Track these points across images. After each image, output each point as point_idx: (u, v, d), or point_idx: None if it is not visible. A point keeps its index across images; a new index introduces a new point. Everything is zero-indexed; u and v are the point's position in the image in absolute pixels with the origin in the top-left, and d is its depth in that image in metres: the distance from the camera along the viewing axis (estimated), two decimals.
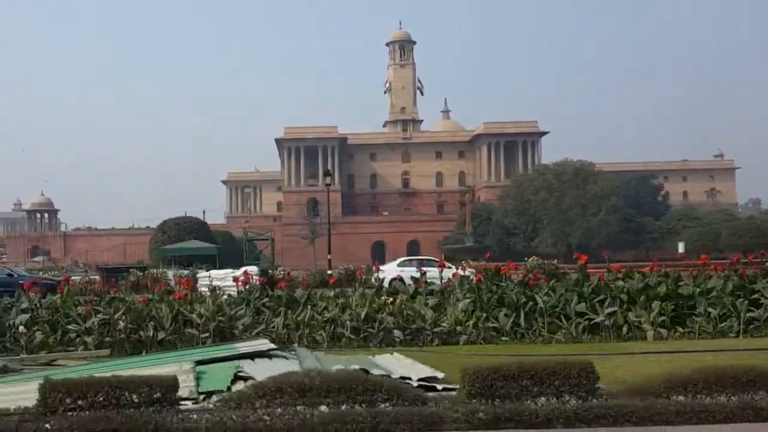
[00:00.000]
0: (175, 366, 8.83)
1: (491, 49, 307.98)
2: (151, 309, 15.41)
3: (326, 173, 57.75)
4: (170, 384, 6.55)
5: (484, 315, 15.73)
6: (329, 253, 51.34)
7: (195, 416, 6.43)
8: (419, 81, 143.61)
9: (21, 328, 14.63)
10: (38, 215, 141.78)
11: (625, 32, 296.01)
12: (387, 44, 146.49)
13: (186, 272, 39.73)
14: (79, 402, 6.13)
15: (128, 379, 6.50)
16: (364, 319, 15.27)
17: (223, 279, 25.52)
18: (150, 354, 12.85)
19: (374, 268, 27.93)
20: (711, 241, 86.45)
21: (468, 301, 16.23)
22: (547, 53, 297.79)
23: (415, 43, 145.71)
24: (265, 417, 6.51)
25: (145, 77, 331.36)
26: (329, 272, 40.71)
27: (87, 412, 6.06)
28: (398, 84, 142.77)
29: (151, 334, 14.65)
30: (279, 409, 6.66)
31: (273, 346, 11.49)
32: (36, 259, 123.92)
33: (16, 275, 37.87)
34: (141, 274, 38.27)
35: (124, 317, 14.86)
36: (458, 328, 15.36)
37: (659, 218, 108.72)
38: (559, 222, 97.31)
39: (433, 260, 43.36)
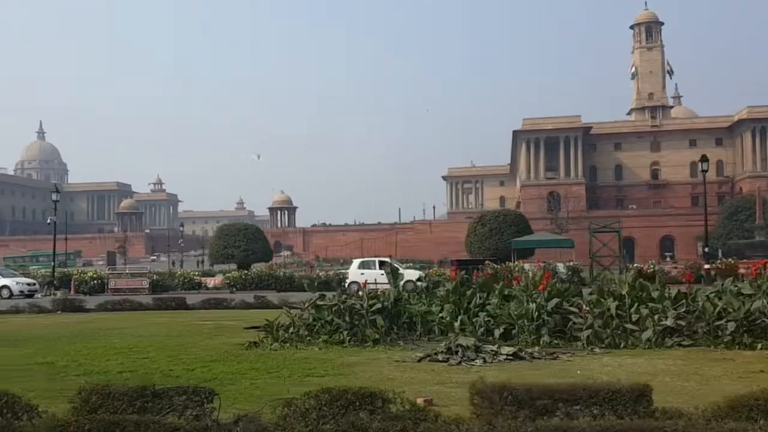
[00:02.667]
0: None
1: (729, 32, 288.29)
2: None
3: None
4: None
5: None
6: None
7: None
8: (668, 64, 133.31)
9: None
10: (279, 212, 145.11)
11: None
12: (631, 27, 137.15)
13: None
14: None
15: None
16: None
17: None
18: None
19: None
20: None
21: None
22: None
23: (662, 24, 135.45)
24: None
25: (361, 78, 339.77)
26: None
27: None
28: (645, 68, 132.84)
29: None
30: None
31: None
32: (282, 254, 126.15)
33: None
34: (496, 266, 35.28)
35: None
36: None
37: None
38: None
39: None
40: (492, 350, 10.50)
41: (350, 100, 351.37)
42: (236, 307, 24.59)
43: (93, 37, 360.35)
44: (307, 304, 13.33)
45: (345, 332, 12.52)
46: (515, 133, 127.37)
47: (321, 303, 13.08)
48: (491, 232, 56.73)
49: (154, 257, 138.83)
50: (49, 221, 55.47)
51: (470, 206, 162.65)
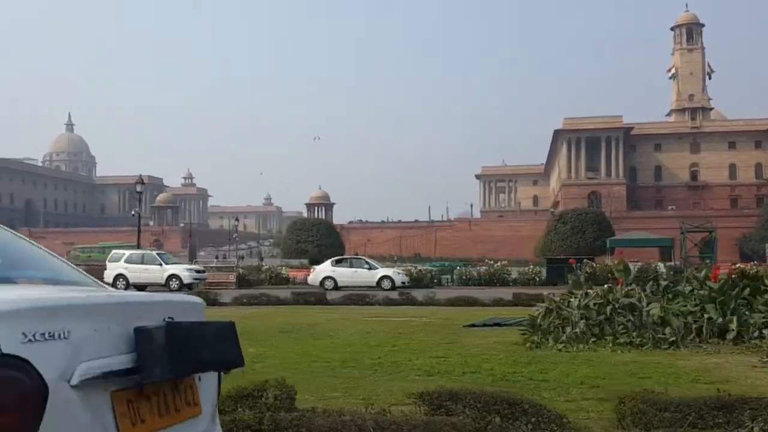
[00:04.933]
0: None
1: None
2: None
3: None
4: None
5: None
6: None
7: None
8: (709, 66, 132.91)
9: None
10: (316, 208, 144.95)
11: None
12: (672, 28, 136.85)
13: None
14: None
15: None
16: None
17: None
18: None
19: None
20: None
21: None
22: None
23: (703, 25, 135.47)
24: None
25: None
26: None
27: None
28: (685, 70, 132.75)
29: None
30: None
31: None
32: None
33: None
34: (594, 264, 34.97)
35: None
36: None
37: None
38: None
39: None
40: None
41: (380, 98, 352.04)
42: (381, 303, 24.10)
43: (120, 30, 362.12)
44: (576, 301, 13.04)
45: (634, 333, 12.06)
46: (556, 132, 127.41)
47: (589, 300, 12.85)
48: (573, 230, 56.79)
49: None
50: (132, 213, 55.46)
51: (503, 205, 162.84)
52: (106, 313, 2.09)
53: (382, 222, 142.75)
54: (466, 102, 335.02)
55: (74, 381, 1.83)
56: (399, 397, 7.28)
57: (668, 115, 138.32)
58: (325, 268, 39.27)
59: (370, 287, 35.01)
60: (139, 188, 47.85)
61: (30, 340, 1.72)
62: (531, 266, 46.72)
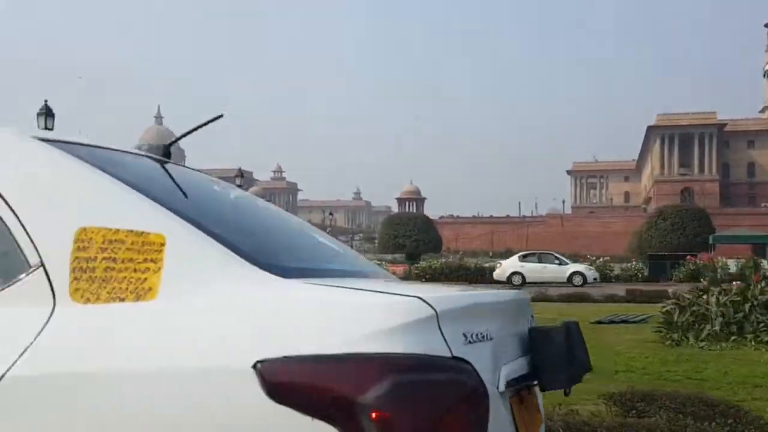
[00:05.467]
0: None
1: None
2: None
3: None
4: None
5: None
6: None
7: None
8: None
9: None
10: (407, 203, 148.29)
11: None
12: (765, 25, 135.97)
13: None
14: None
15: None
16: None
17: None
18: None
19: None
20: None
21: None
22: None
23: None
24: None
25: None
26: None
27: None
28: None
29: None
30: None
31: None
32: None
33: None
34: (698, 261, 36.75)
35: None
36: None
37: None
38: None
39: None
40: None
41: (470, 95, 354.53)
42: None
43: (213, 26, 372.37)
44: (714, 298, 12.89)
45: None
46: (649, 128, 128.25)
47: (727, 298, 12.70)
48: (673, 226, 56.36)
49: None
50: None
51: (594, 201, 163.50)
52: (511, 313, 1.93)
53: (474, 217, 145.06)
54: (554, 98, 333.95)
55: (501, 386, 1.66)
56: (559, 397, 9.11)
57: (762, 111, 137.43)
58: (512, 264, 38.51)
59: (559, 283, 34.63)
60: (238, 182, 47.43)
61: (470, 342, 1.55)
62: (633, 262, 47.53)
